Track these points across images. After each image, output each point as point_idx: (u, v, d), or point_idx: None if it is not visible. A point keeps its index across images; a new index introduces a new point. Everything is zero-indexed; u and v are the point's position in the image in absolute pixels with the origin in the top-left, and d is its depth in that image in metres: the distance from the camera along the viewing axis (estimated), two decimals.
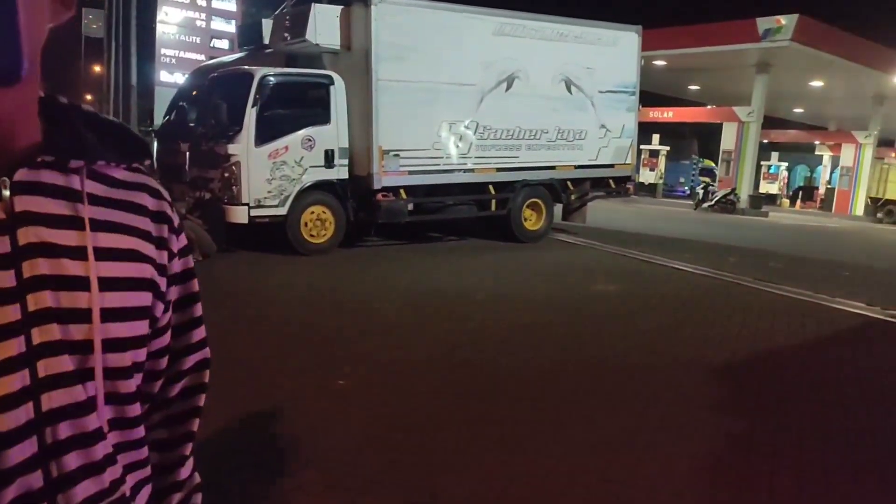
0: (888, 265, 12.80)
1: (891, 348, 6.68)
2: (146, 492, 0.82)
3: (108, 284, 0.74)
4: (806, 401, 4.92)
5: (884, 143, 34.33)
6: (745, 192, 25.64)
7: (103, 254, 0.74)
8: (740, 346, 6.24)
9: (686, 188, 34.72)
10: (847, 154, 30.50)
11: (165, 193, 0.85)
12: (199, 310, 0.91)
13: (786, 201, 34.22)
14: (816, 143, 37.23)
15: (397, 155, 10.36)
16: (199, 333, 0.92)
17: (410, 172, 10.55)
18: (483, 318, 6.90)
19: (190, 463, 0.95)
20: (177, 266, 0.86)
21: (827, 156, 36.37)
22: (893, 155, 37.09)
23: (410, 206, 10.81)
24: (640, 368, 5.44)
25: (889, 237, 20.64)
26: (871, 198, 28.59)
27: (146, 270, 0.79)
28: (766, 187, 33.51)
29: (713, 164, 34.57)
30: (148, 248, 0.80)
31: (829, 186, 33.98)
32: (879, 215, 27.31)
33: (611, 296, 8.29)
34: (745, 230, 18.37)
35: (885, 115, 28.94)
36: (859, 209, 29.48)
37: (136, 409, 0.79)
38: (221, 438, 3.73)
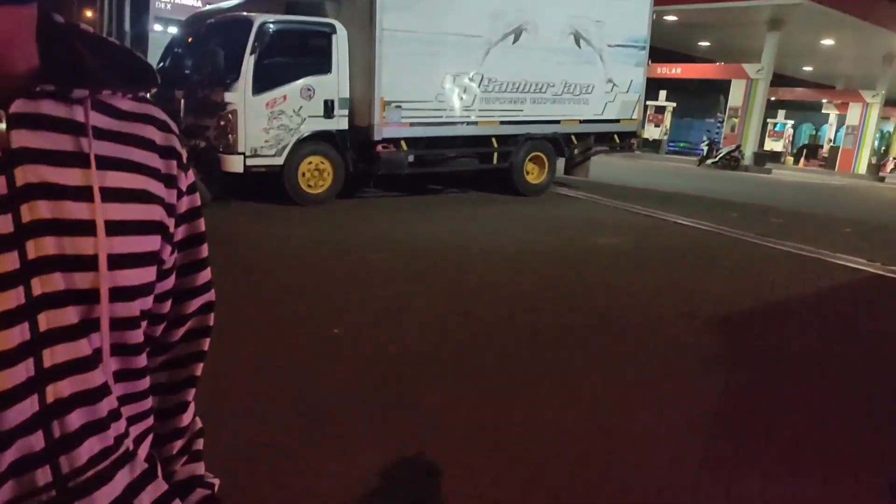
0: (889, 222, 12.72)
1: (892, 303, 6.64)
2: (148, 442, 0.79)
3: (115, 228, 0.68)
4: (805, 355, 4.90)
5: (891, 102, 33.95)
6: (749, 150, 25.40)
7: (110, 194, 0.68)
8: (741, 300, 6.21)
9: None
10: (853, 113, 30.11)
11: (173, 125, 0.79)
12: (205, 251, 0.87)
13: (790, 159, 33.91)
14: (824, 101, 36.77)
15: (399, 106, 10.20)
16: (205, 276, 0.88)
17: (412, 124, 10.39)
18: (482, 270, 6.86)
19: (192, 408, 0.92)
20: (184, 204, 0.81)
21: (833, 114, 35.99)
22: None
23: (411, 158, 10.68)
24: (641, 322, 5.43)
25: (891, 195, 20.50)
26: None
27: (156, 212, 0.74)
28: (771, 145, 33.21)
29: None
30: (157, 188, 0.74)
31: (832, 145, 33.66)
32: None
33: (612, 249, 8.24)
34: (748, 186, 18.24)
35: (893, 75, 28.48)
36: (862, 168, 29.23)
37: (142, 360, 0.75)
38: (215, 386, 3.68)
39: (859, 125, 29.38)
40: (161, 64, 10.86)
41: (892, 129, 37.08)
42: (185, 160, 0.80)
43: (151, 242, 0.73)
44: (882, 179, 27.16)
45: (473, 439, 3.32)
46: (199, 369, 0.91)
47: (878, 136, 32.33)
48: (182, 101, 9.67)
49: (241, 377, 3.89)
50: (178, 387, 0.89)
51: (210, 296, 0.90)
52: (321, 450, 3.14)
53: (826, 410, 3.94)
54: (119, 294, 0.68)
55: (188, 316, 0.86)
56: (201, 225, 0.85)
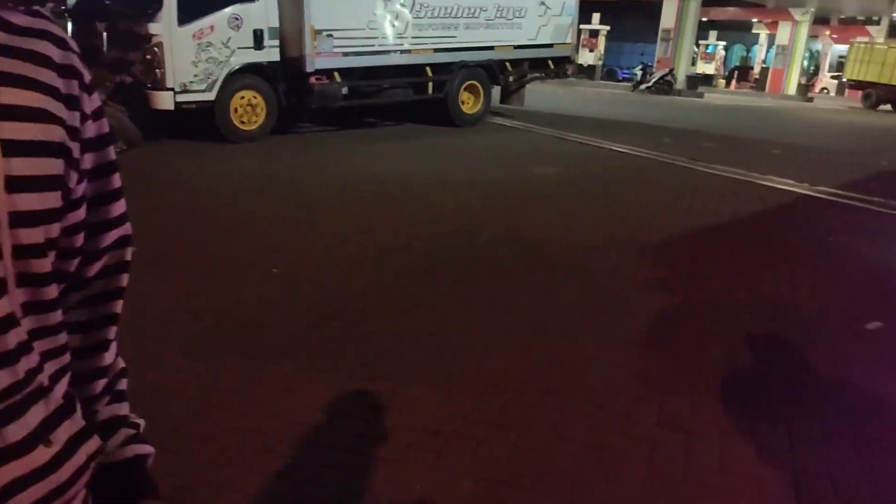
0: (817, 143, 13.14)
1: (817, 222, 6.93)
2: (65, 380, 0.76)
3: (12, 148, 0.64)
4: (735, 274, 5.10)
5: (820, 20, 34.50)
6: (682, 73, 25.66)
7: (5, 112, 0.65)
8: (674, 224, 6.38)
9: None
10: (783, 32, 30.60)
11: (73, 44, 0.74)
12: (117, 181, 0.83)
13: (721, 81, 34.45)
14: (754, 21, 37.18)
15: (330, 35, 9.91)
16: (119, 207, 0.84)
17: (344, 54, 10.14)
18: (420, 203, 6.86)
19: (114, 347, 0.88)
20: (91, 130, 0.76)
21: (764, 34, 36.49)
22: (827, 32, 37.47)
23: (345, 90, 10.46)
24: (578, 249, 5.54)
25: (818, 115, 21.12)
26: (849, 80, 27.78)
27: (55, 133, 0.70)
28: (703, 67, 33.59)
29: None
30: (56, 107, 0.70)
31: (763, 66, 34.24)
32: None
33: (549, 178, 8.32)
34: (680, 111, 18.51)
35: None
36: (792, 88, 29.90)
37: (52, 292, 0.72)
38: (158, 325, 3.69)
39: (789, 45, 29.89)
40: None
41: (820, 48, 37.85)
42: (87, 81, 0.75)
43: (53, 166, 0.69)
44: (811, 100, 27.87)
45: (417, 372, 3.37)
46: (118, 306, 0.88)
47: (807, 55, 32.99)
48: (104, 33, 9.19)
49: (180, 320, 3.86)
50: (98, 324, 0.86)
51: (126, 229, 0.86)
52: (265, 389, 3.15)
53: (755, 327, 4.13)
54: (20, 219, 0.65)
55: (104, 250, 0.83)
56: (111, 153, 0.81)
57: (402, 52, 10.82)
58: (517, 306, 4.31)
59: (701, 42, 32.56)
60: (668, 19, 27.63)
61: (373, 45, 10.43)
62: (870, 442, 2.89)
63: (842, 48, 38.67)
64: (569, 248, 5.55)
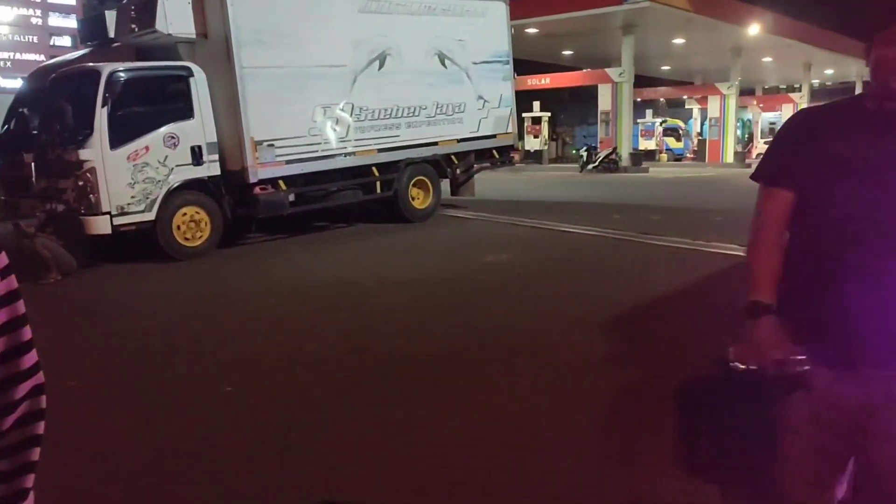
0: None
1: None
2: None
3: None
4: (689, 340, 4.96)
5: (745, 91, 36.23)
6: (625, 151, 26.38)
7: None
8: (628, 298, 6.30)
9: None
10: (713, 105, 31.88)
11: None
12: (27, 333, 0.86)
13: (664, 156, 35.50)
14: (685, 97, 38.87)
15: (272, 145, 9.88)
16: (31, 358, 0.87)
17: (288, 162, 10.10)
18: (375, 303, 6.66)
19: (31, 496, 0.89)
20: (0, 288, 0.80)
21: (696, 108, 38.06)
22: (754, 102, 39.39)
23: (291, 197, 10.37)
24: (535, 332, 5.43)
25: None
26: None
27: None
28: (645, 144, 34.67)
29: (678, 123, 35.18)
30: None
31: (700, 138, 35.49)
32: None
33: (502, 265, 8.22)
34: (627, 187, 18.88)
35: (743, 65, 30.43)
36: (730, 156, 30.92)
37: None
38: (106, 462, 3.49)
39: (720, 116, 31.09)
40: (6, 126, 10.12)
41: (751, 117, 39.56)
42: None
43: None
44: (749, 166, 28.70)
45: (382, 475, 3.24)
46: (35, 454, 0.89)
47: (739, 124, 34.35)
48: (32, 164, 9.02)
49: (132, 450, 3.64)
50: (16, 473, 0.87)
51: (39, 378, 0.88)
52: None
53: (713, 396, 3.94)
54: None
55: (18, 402, 0.85)
56: (21, 307, 0.84)
57: (346, 154, 10.83)
58: (477, 396, 4.16)
59: (639, 120, 33.74)
60: (605, 102, 28.68)
61: (316, 151, 10.42)
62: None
63: (770, 115, 40.78)
64: (526, 332, 5.43)
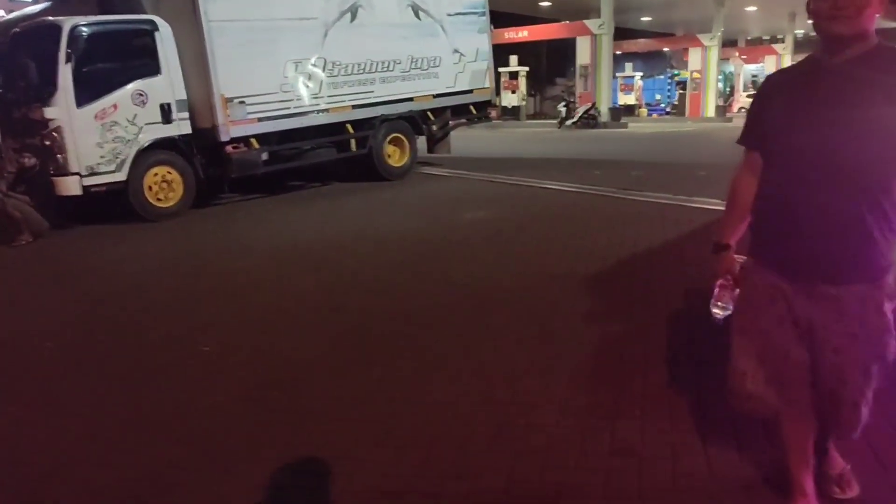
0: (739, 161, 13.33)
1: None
2: None
3: None
4: (670, 295, 4.93)
5: (728, 43, 35.89)
6: (604, 106, 26.16)
7: None
8: (609, 255, 6.24)
9: (664, 105, 34.99)
10: (694, 58, 31.52)
11: None
12: None
13: (643, 111, 35.33)
14: (665, 49, 38.49)
15: (243, 102, 9.64)
16: None
17: (260, 119, 9.87)
18: (353, 262, 6.57)
19: None
20: None
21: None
22: (736, 54, 39.06)
23: (265, 156, 10.14)
24: (516, 288, 5.38)
25: (738, 134, 21.61)
26: None
27: None
28: (624, 98, 34.43)
29: (689, 74, 34.80)
30: None
31: (681, 92, 35.24)
32: None
33: (481, 222, 8.12)
34: (607, 143, 18.76)
35: (726, 15, 29.93)
36: (711, 111, 30.76)
37: None
38: (90, 409, 3.55)
39: (702, 69, 30.79)
40: None
41: (733, 70, 39.28)
42: None
43: None
44: (730, 120, 28.62)
45: (362, 432, 3.20)
46: None
47: (720, 77, 34.11)
48: None
49: (111, 409, 3.63)
50: None
51: None
52: (204, 475, 2.93)
53: (695, 350, 3.92)
54: None
55: None
56: None
57: (320, 111, 10.59)
58: (458, 353, 4.11)
59: (618, 74, 33.43)
60: (583, 55, 28.33)
61: (288, 108, 10.19)
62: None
63: (753, 67, 40.57)
64: (507, 290, 5.36)
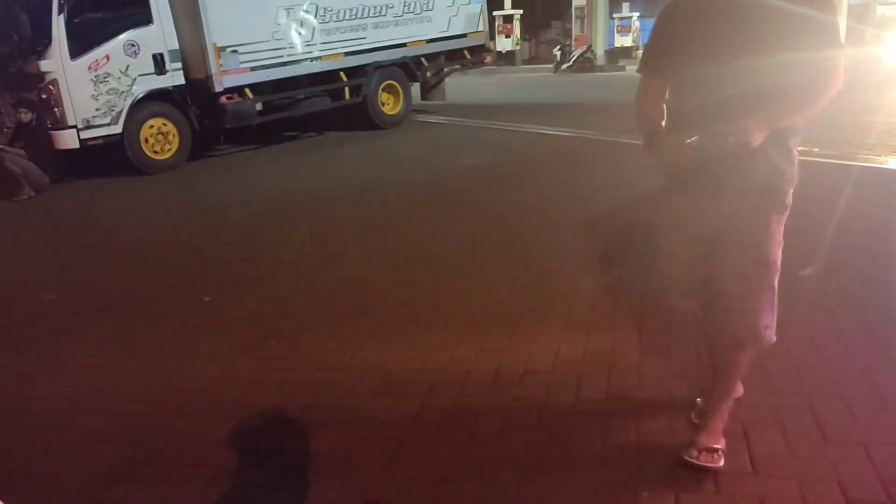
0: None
1: None
2: None
3: None
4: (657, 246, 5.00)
5: None
6: (600, 48, 25.83)
7: None
8: (605, 199, 6.29)
9: None
10: None
11: None
12: None
13: (640, 52, 34.84)
14: None
15: (235, 51, 9.59)
16: None
17: (253, 69, 9.83)
18: (349, 211, 6.65)
19: None
20: None
21: None
22: None
23: (259, 106, 10.15)
24: (511, 236, 5.43)
25: None
26: None
27: None
28: (621, 41, 33.93)
29: None
30: None
31: None
32: None
33: (476, 169, 8.17)
34: (603, 87, 18.58)
35: None
36: None
37: None
38: (93, 360, 3.63)
39: None
40: None
41: None
42: None
43: None
44: None
45: (360, 380, 3.29)
46: None
47: None
48: None
49: (112, 359, 3.75)
50: None
51: None
52: (203, 420, 3.04)
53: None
54: None
55: None
56: None
57: (313, 59, 10.53)
58: (455, 303, 4.17)
59: (615, 15, 32.87)
60: None
61: (281, 57, 10.13)
62: (772, 372, 2.81)
63: None
64: (503, 237, 5.43)
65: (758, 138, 1.99)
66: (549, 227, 5.58)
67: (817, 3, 1.94)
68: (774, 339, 2.32)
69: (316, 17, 10.41)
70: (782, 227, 2.23)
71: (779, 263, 2.25)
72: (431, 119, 12.59)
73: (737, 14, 2.01)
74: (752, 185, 2.14)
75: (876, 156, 7.19)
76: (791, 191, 2.20)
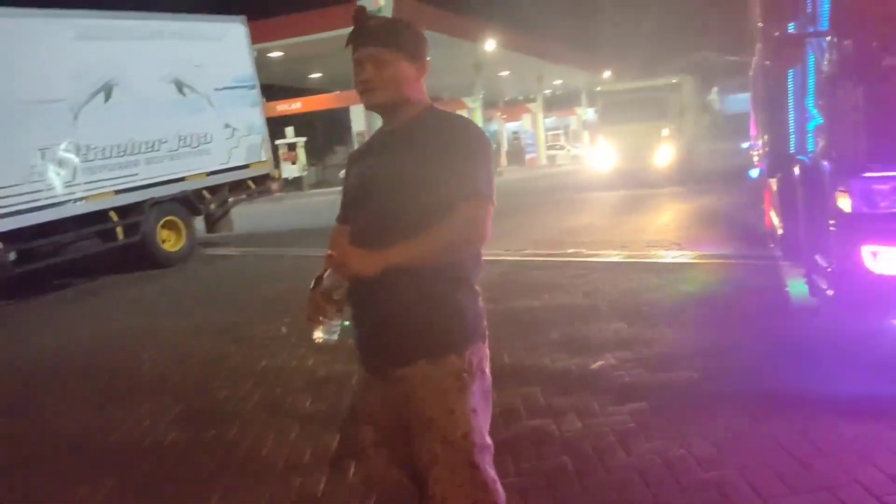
0: (519, 208, 13.99)
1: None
2: None
3: None
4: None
5: (489, 104, 38.62)
6: None
7: None
8: None
9: None
10: None
11: None
12: None
13: None
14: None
15: None
16: None
17: (3, 215, 8.67)
18: (132, 370, 5.72)
19: None
20: None
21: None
22: (498, 114, 42.41)
23: (12, 256, 8.91)
24: (325, 372, 4.91)
25: (505, 189, 22.95)
26: None
27: None
28: None
29: None
30: None
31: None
32: None
33: (273, 297, 7.61)
34: None
35: (485, 79, 32.20)
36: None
37: None
38: None
39: None
40: None
41: (496, 128, 42.39)
42: None
43: None
44: (500, 174, 30.43)
45: None
46: None
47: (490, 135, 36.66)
48: None
49: None
50: None
51: None
52: None
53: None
54: None
55: None
56: None
57: (76, 200, 9.56)
58: (264, 444, 3.53)
59: None
60: (358, 123, 28.81)
61: (38, 200, 9.08)
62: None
63: (513, 125, 44.71)
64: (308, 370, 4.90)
65: (365, 268, 1.86)
66: None
67: (453, 149, 1.91)
68: None
69: (77, 155, 9.54)
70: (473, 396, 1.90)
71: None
72: (222, 252, 11.94)
73: (386, 155, 1.99)
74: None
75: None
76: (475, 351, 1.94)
